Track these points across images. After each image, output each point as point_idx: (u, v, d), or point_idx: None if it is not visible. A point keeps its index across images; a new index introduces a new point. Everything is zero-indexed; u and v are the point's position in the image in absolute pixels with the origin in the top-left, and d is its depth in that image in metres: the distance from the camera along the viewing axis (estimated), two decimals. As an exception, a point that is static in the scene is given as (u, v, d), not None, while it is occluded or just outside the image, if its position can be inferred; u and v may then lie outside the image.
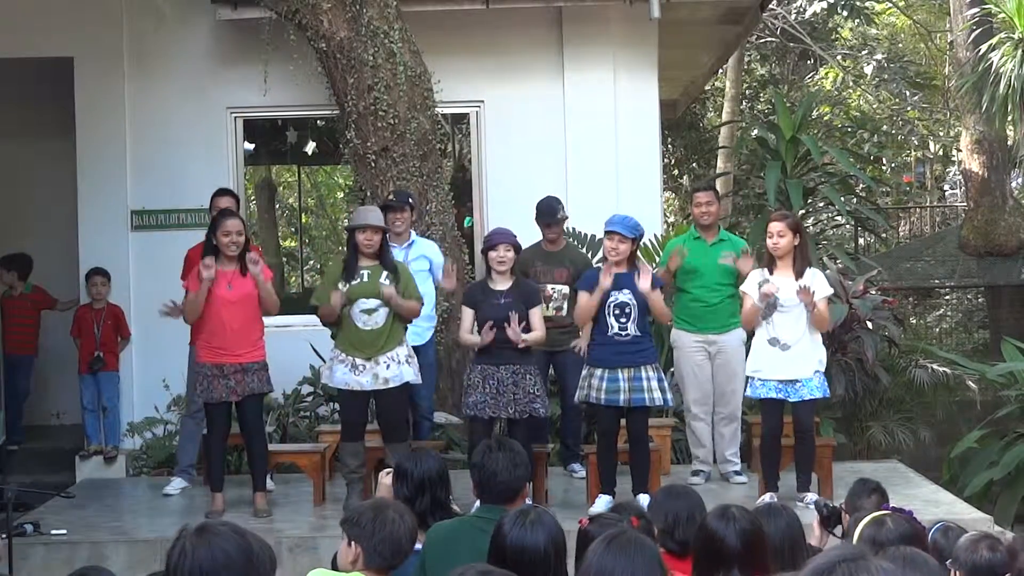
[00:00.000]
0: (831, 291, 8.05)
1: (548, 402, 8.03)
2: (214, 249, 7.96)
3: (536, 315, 7.83)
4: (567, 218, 9.10)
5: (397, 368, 7.85)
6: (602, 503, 7.68)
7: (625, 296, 7.74)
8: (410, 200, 8.92)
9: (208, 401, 8.03)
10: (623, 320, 7.74)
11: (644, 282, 7.67)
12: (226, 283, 7.97)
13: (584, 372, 7.88)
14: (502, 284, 7.79)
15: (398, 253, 8.43)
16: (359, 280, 7.84)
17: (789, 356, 7.81)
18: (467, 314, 7.82)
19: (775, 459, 7.99)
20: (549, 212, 8.91)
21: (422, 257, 8.77)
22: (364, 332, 7.82)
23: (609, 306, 7.78)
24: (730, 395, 8.79)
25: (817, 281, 7.87)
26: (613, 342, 7.75)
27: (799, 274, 7.83)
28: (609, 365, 7.73)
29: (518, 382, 7.70)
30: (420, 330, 8.71)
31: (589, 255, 10.05)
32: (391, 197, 8.79)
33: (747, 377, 8.04)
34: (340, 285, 7.83)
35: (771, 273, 7.89)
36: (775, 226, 7.86)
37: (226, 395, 7.96)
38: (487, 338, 7.62)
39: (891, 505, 4.03)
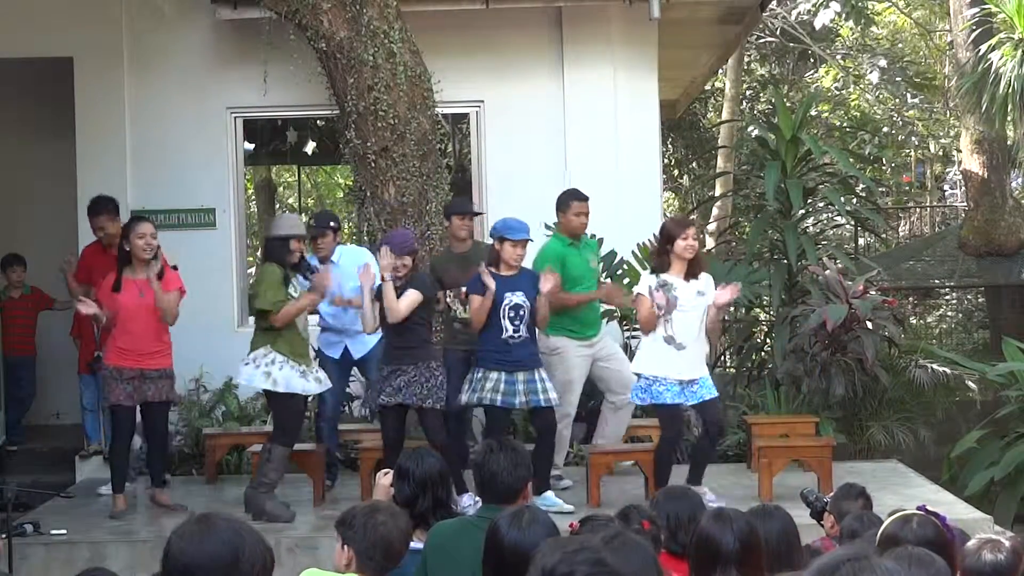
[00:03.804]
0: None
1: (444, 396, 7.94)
2: (127, 256, 8.11)
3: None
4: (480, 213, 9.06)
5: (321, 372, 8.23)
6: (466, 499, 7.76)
7: (519, 298, 7.83)
8: (331, 223, 8.93)
9: (111, 404, 8.21)
10: (517, 323, 7.83)
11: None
12: (138, 291, 8.11)
13: (478, 375, 7.88)
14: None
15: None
16: (300, 290, 8.07)
17: (685, 356, 7.84)
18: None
19: (670, 466, 8.01)
20: (464, 205, 8.96)
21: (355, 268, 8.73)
22: (303, 339, 8.13)
23: (504, 308, 7.83)
24: (629, 380, 8.59)
25: (709, 284, 7.97)
26: (507, 345, 7.82)
27: (695, 276, 7.89)
28: (506, 368, 7.82)
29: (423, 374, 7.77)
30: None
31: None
32: (312, 222, 8.74)
33: (642, 378, 7.95)
34: (292, 292, 8.00)
35: (663, 273, 7.89)
36: (693, 231, 7.97)
37: (123, 399, 8.12)
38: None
39: (927, 507, 4.00)
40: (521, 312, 7.84)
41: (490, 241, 8.34)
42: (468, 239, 8.90)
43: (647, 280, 7.92)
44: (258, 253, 19.61)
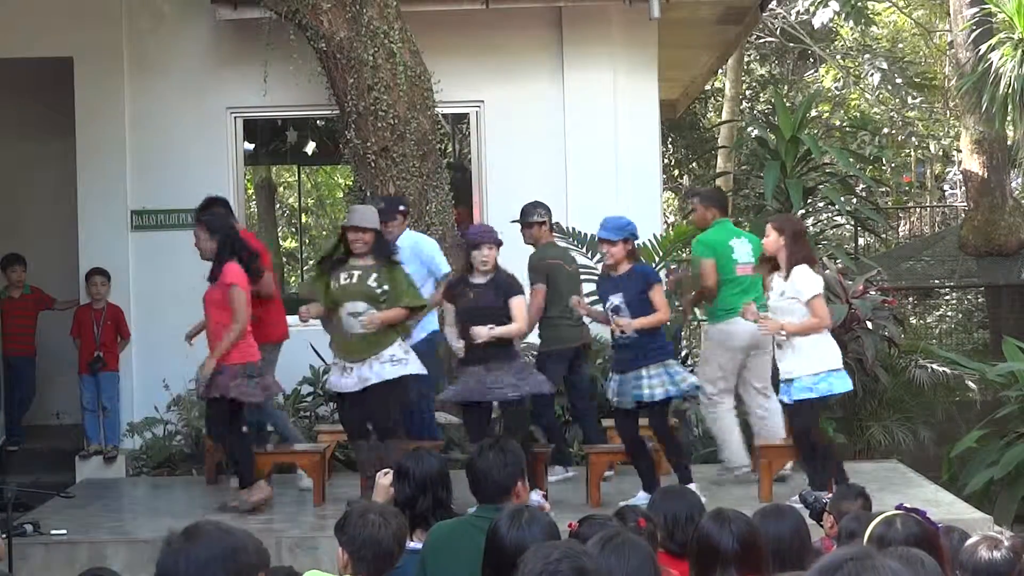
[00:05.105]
0: (813, 292, 7.76)
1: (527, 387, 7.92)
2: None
3: (517, 305, 7.79)
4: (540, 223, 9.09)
5: (380, 368, 7.81)
6: (641, 499, 7.65)
7: (618, 299, 7.79)
8: (401, 208, 8.86)
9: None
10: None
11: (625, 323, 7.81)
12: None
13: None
14: (481, 279, 7.80)
15: None
16: (348, 280, 7.84)
17: (781, 355, 7.86)
18: (448, 309, 7.84)
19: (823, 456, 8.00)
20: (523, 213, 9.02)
21: (413, 259, 8.72)
22: (354, 336, 7.81)
23: (606, 311, 7.86)
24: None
25: (798, 281, 7.74)
26: (617, 345, 7.88)
27: (788, 274, 7.82)
28: (617, 369, 7.88)
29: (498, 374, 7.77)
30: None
31: (588, 255, 10.06)
32: (381, 205, 8.73)
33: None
34: (333, 285, 7.85)
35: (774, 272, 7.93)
36: (768, 227, 7.95)
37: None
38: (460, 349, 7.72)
39: (905, 505, 4.02)
40: (622, 313, 7.80)
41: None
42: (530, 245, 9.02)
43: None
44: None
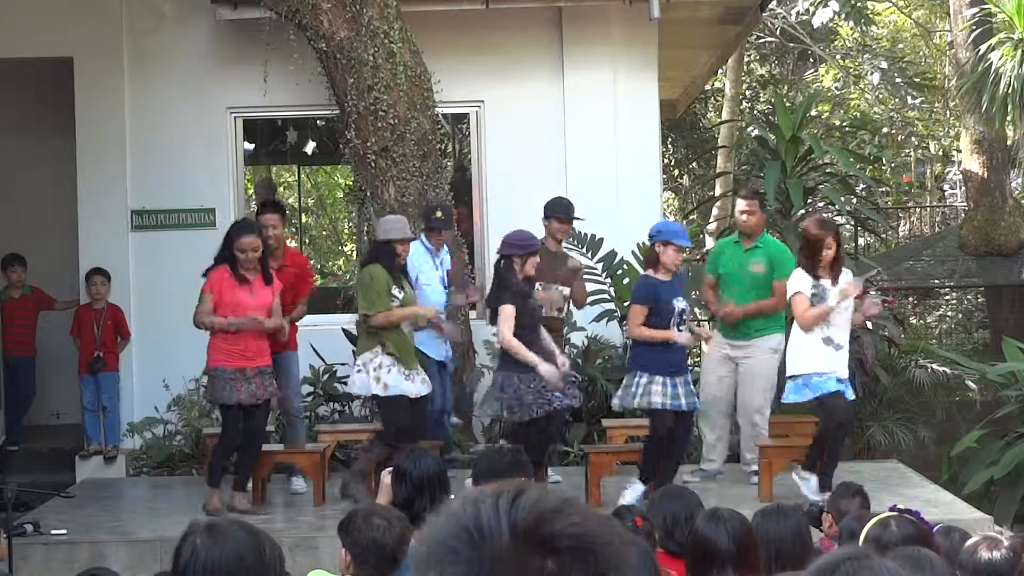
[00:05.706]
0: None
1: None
2: (231, 258, 8.09)
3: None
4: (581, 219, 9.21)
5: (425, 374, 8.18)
6: (636, 492, 7.74)
7: (682, 304, 7.90)
8: (452, 215, 9.06)
9: (227, 403, 8.09)
10: (681, 328, 7.90)
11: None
12: (249, 291, 8.11)
13: (637, 379, 7.86)
14: (526, 284, 7.91)
15: (433, 261, 8.73)
16: (404, 292, 8.10)
17: (841, 356, 7.88)
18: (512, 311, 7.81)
19: (837, 456, 8.10)
20: (565, 209, 8.95)
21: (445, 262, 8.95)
22: (409, 341, 8.15)
23: (674, 315, 7.89)
24: (748, 400, 8.83)
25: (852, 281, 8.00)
26: (673, 349, 7.85)
27: (835, 278, 7.87)
28: (668, 373, 7.83)
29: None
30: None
31: (588, 255, 10.06)
32: (439, 215, 8.76)
33: (795, 377, 7.95)
34: (396, 292, 8.03)
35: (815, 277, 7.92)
36: (828, 241, 7.88)
37: (246, 398, 8.03)
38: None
39: (899, 506, 4.02)
40: (684, 317, 7.91)
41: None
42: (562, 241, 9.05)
43: (802, 279, 7.90)
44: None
